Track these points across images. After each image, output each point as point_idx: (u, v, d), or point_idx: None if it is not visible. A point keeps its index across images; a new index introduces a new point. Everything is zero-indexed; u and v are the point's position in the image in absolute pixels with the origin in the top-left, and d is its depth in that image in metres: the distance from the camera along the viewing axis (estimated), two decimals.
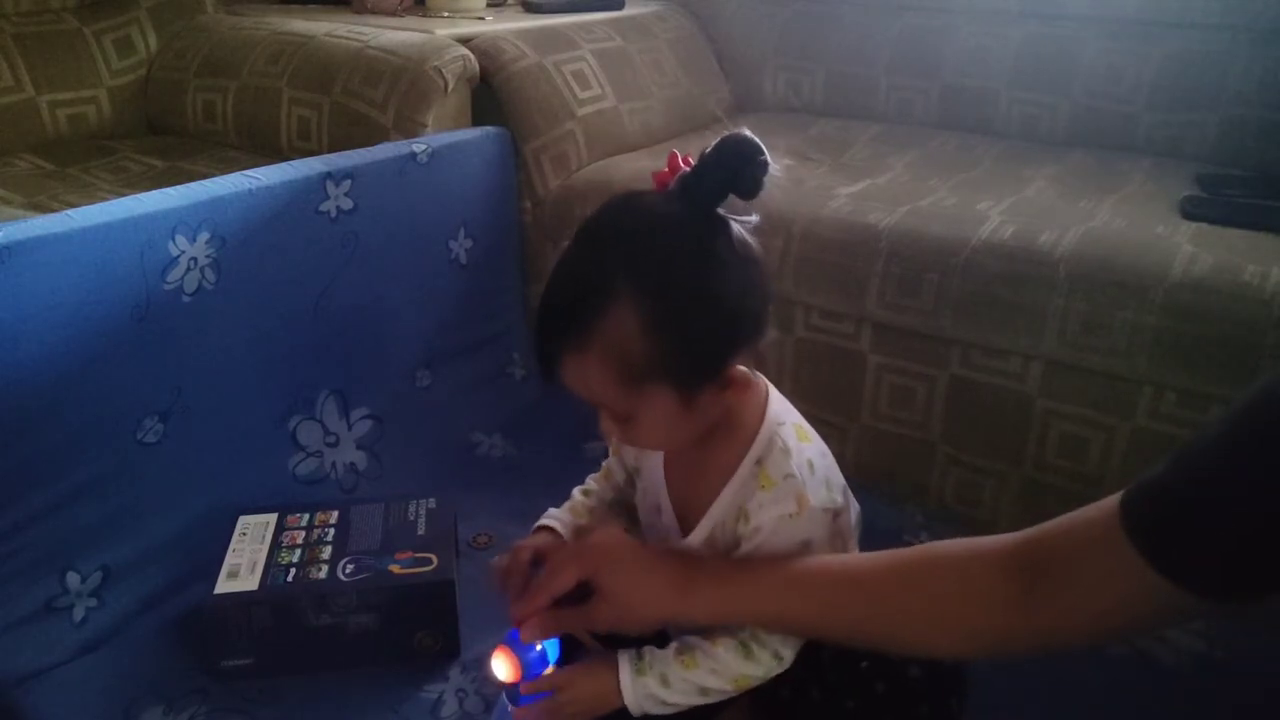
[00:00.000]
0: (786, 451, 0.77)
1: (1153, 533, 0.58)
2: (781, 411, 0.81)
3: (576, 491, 0.96)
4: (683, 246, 0.71)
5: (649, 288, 0.70)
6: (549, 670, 0.82)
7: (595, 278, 0.71)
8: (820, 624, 0.76)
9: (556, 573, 0.80)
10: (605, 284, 0.70)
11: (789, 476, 0.76)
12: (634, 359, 0.70)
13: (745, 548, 0.78)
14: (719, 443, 0.79)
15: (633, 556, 0.80)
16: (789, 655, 0.78)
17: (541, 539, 0.90)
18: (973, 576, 0.68)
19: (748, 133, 0.71)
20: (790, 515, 0.76)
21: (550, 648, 0.82)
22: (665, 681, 0.78)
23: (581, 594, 0.81)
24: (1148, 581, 0.58)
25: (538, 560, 0.87)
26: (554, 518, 0.93)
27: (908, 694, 0.78)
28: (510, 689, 0.83)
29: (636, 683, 0.78)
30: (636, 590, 0.78)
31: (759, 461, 0.78)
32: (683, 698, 0.78)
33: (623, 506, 0.96)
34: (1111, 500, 0.62)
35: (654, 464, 0.86)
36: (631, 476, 0.94)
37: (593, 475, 0.98)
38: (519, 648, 0.81)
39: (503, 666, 0.81)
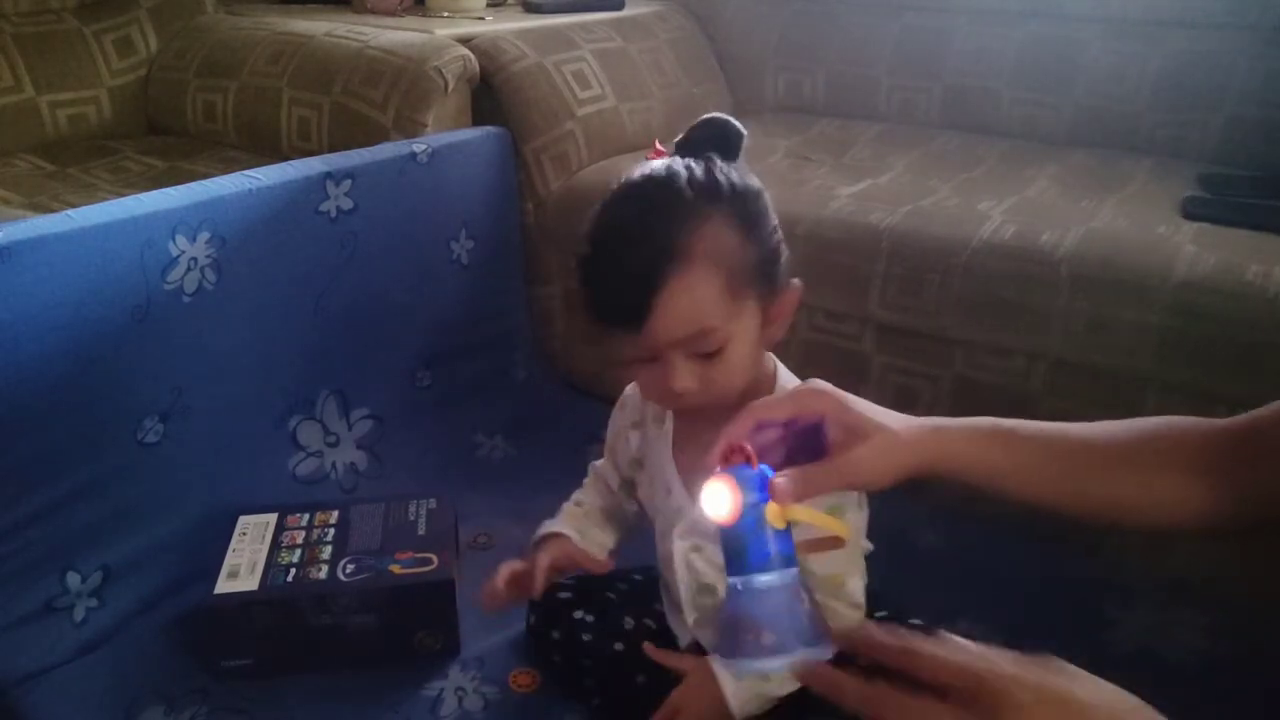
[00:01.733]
0: None
1: None
2: (789, 381, 0.84)
3: (568, 505, 0.97)
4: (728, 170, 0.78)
5: (727, 199, 0.75)
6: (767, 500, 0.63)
7: (676, 202, 0.74)
8: (1055, 483, 0.72)
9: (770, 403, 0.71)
10: (690, 204, 0.74)
11: None
12: (738, 265, 0.75)
13: None
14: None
15: (859, 399, 0.71)
16: (864, 601, 0.80)
17: (560, 545, 0.90)
18: (1202, 451, 0.69)
19: (721, 115, 0.80)
20: None
21: (766, 470, 0.65)
22: (764, 675, 0.78)
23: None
24: None
25: (557, 566, 0.88)
26: (560, 525, 0.93)
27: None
28: (726, 532, 0.63)
29: (739, 688, 0.78)
30: (888, 420, 0.69)
31: None
32: (783, 686, 0.79)
33: (614, 514, 0.97)
34: None
35: (661, 448, 0.87)
36: (626, 477, 0.95)
37: (578, 490, 0.98)
38: (742, 473, 0.63)
39: (723, 499, 0.62)
